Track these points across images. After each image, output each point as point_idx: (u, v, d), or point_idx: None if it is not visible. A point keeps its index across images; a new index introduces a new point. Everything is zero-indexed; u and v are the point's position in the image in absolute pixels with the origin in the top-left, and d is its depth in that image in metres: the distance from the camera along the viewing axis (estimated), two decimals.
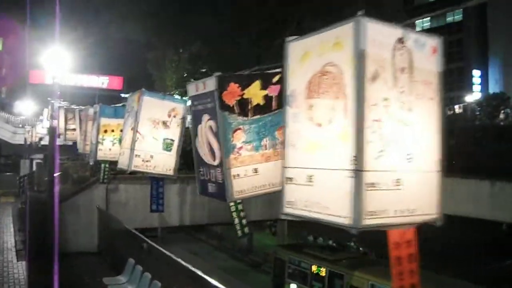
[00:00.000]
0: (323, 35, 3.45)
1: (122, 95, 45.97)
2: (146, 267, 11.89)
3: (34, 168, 28.35)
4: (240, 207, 8.11)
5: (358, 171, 3.06)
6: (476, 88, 58.61)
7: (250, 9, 22.63)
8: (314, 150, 3.45)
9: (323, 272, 23.19)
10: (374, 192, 3.11)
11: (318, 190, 3.36)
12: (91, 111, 10.65)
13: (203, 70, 26.79)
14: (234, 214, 8.32)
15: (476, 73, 59.40)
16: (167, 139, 7.02)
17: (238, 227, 8.38)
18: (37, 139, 29.29)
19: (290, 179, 3.64)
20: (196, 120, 5.80)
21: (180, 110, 7.12)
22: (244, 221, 8.02)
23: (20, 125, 39.08)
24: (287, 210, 3.69)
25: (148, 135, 6.91)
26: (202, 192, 6.14)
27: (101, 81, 50.35)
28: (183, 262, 9.96)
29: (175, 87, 25.76)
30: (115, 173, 15.70)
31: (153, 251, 12.16)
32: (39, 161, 29.92)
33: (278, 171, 4.79)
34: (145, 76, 30.02)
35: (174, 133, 7.05)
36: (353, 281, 20.94)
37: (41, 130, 25.61)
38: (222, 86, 5.05)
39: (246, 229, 8.55)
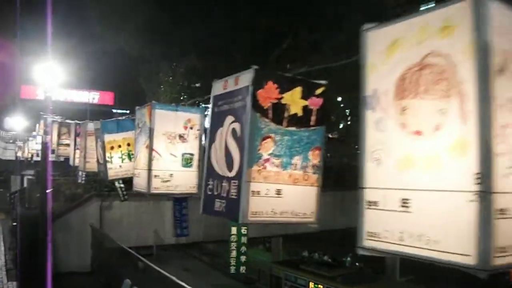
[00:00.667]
0: (424, 18, 2.69)
1: (114, 110, 45.67)
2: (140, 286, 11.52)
3: (25, 184, 27.83)
4: (243, 231, 8.58)
5: (485, 192, 2.30)
6: None
7: (245, 22, 22.47)
8: (410, 165, 2.69)
9: None
10: (505, 221, 2.34)
11: (420, 218, 2.60)
12: (90, 126, 10.15)
13: (198, 85, 26.54)
14: (233, 243, 9.19)
15: None
16: (186, 154, 6.45)
17: (233, 262, 9.47)
18: (29, 155, 28.79)
19: (374, 203, 2.88)
20: (216, 123, 4.73)
21: (196, 121, 6.53)
22: (243, 258, 8.82)
23: (11, 141, 38.59)
24: (370, 243, 2.89)
25: (165, 152, 6.33)
26: (206, 210, 4.89)
27: (92, 96, 50.02)
28: (180, 282, 9.72)
29: (170, 103, 25.41)
30: (108, 190, 15.39)
31: (148, 270, 11.83)
32: (30, 177, 29.39)
33: (306, 199, 4.46)
34: (137, 91, 29.67)
35: (192, 146, 6.47)
36: None
37: (34, 146, 25.04)
38: (259, 82, 4.21)
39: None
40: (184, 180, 6.49)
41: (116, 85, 44.73)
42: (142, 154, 6.56)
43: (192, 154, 6.41)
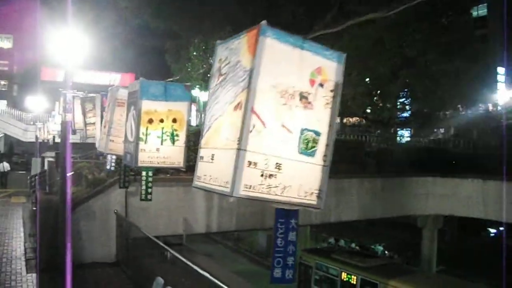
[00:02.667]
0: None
1: None
2: (170, 283, 10.34)
3: (46, 167, 26.93)
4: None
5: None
6: (500, 86, 56.40)
7: None
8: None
9: (354, 279, 21.83)
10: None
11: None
12: (122, 92, 7.54)
13: None
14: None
15: (501, 70, 57.21)
16: (308, 130, 3.53)
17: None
18: (49, 136, 27.68)
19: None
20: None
21: (330, 73, 3.56)
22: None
23: (32, 122, 37.82)
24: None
25: (273, 121, 3.37)
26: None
27: (113, 78, 49.08)
28: (214, 279, 8.52)
29: (201, 79, 23.92)
30: (134, 174, 14.14)
31: (177, 264, 10.68)
32: (51, 159, 28.50)
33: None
34: (162, 72, 28.24)
35: (320, 118, 3.57)
36: None
37: (53, 127, 23.64)
38: None
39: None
40: (299, 179, 3.56)
41: (138, 66, 43.48)
42: (227, 120, 3.50)
43: (318, 133, 3.54)
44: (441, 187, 22.84)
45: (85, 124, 10.13)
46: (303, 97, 3.46)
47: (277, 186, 3.43)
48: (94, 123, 10.39)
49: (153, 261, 12.31)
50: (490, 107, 37.59)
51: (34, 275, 12.42)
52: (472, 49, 26.34)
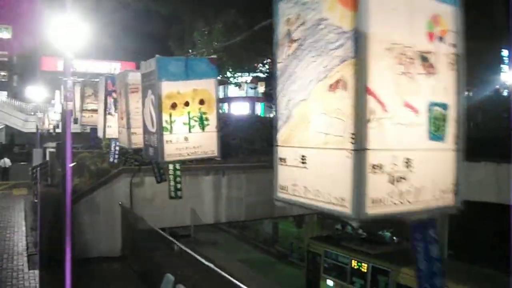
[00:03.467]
0: None
1: None
2: (180, 278, 9.84)
3: (48, 157, 26.39)
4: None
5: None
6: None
7: None
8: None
9: (364, 267, 21.32)
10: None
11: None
12: (133, 76, 6.32)
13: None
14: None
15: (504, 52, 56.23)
16: (436, 105, 2.46)
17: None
18: (50, 127, 27.06)
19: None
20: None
21: (449, 21, 2.52)
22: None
23: (32, 113, 37.23)
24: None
25: (393, 101, 2.27)
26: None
27: (113, 67, 48.28)
28: (225, 274, 8.02)
29: None
30: (139, 164, 13.59)
31: (185, 257, 10.16)
32: (52, 150, 27.96)
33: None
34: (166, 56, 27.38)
35: (446, 85, 2.56)
36: (401, 278, 19.00)
37: (53, 116, 22.89)
38: None
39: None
40: (432, 175, 2.51)
41: (140, 54, 42.52)
42: (314, 106, 2.44)
43: (445, 107, 2.55)
44: None
45: (81, 110, 9.06)
46: (424, 59, 2.44)
47: (409, 191, 2.39)
48: (93, 110, 9.28)
49: (160, 255, 11.79)
50: (499, 89, 36.72)
51: (36, 271, 11.90)
52: (480, 27, 24.89)
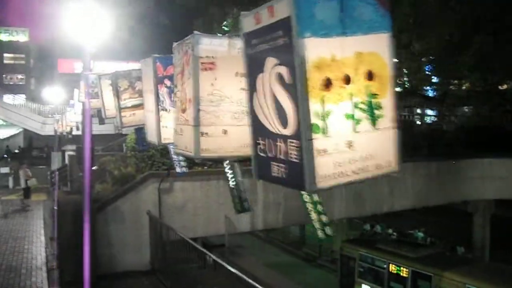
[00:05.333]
0: None
1: None
2: None
3: (67, 161, 25.32)
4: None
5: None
6: None
7: None
8: None
9: (404, 272, 20.01)
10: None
11: None
12: (207, 44, 3.63)
13: None
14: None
15: None
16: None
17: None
18: (67, 128, 25.83)
19: None
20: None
21: None
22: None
23: (50, 115, 36.30)
24: None
25: None
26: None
27: (131, 68, 47.20)
28: None
29: None
30: (167, 168, 12.28)
31: (220, 270, 9.00)
32: (71, 153, 26.90)
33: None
34: None
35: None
36: (444, 283, 17.72)
37: (73, 117, 21.46)
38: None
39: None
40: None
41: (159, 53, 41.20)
42: None
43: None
44: (498, 169, 20.68)
45: (119, 109, 7.03)
46: None
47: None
48: (134, 106, 7.09)
49: (193, 268, 10.56)
50: None
51: None
52: None
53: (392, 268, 20.79)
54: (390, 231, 32.36)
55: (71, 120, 22.52)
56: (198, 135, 3.20)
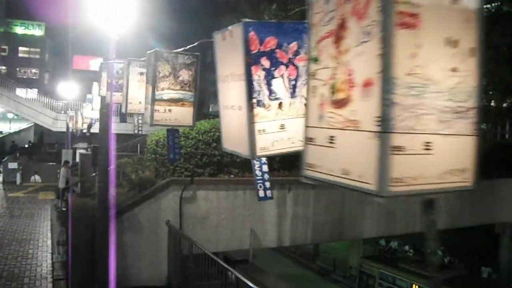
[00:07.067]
0: None
1: None
2: None
3: (78, 159, 24.24)
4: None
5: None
6: None
7: None
8: None
9: None
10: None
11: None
12: None
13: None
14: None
15: None
16: None
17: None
18: (84, 126, 24.63)
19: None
20: None
21: None
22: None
23: (62, 111, 35.35)
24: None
25: None
26: None
27: None
28: None
29: None
30: (191, 174, 11.15)
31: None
32: (83, 151, 25.88)
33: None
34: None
35: None
36: None
37: (90, 114, 20.11)
38: None
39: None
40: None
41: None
42: None
43: None
44: None
45: (153, 100, 5.13)
46: None
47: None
48: (172, 100, 5.38)
49: (214, 285, 9.45)
50: None
51: None
52: None
53: None
54: (406, 247, 31.16)
55: (86, 117, 21.33)
56: (386, 152, 1.62)
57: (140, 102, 6.52)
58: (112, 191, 9.40)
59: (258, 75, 2.70)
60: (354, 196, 14.03)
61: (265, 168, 3.81)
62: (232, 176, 11.44)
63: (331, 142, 1.84)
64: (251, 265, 12.23)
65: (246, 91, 2.68)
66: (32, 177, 27.87)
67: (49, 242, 14.34)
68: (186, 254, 10.00)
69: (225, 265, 8.91)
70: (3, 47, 57.15)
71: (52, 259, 12.56)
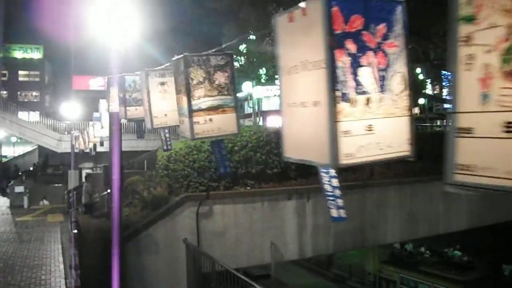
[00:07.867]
0: None
1: None
2: None
3: (84, 179, 23.79)
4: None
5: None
6: None
7: None
8: None
9: None
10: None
11: None
12: None
13: None
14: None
15: None
16: None
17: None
18: (90, 145, 24.14)
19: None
20: None
21: None
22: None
23: (66, 132, 34.99)
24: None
25: None
26: None
27: None
28: None
29: None
30: (205, 189, 10.72)
31: None
32: (89, 171, 25.47)
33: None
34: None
35: None
36: None
37: (99, 132, 19.49)
38: None
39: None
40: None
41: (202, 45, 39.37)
42: None
43: None
44: None
45: (190, 111, 4.31)
46: None
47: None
48: (212, 108, 4.69)
49: None
50: None
51: None
52: None
53: None
54: (422, 249, 30.56)
55: (95, 136, 20.82)
56: None
57: (166, 115, 6.03)
58: (125, 211, 8.98)
59: (343, 61, 2.15)
60: (375, 200, 13.60)
61: (335, 182, 3.20)
62: (248, 188, 11.00)
63: (508, 132, 1.35)
64: (274, 280, 11.75)
65: (329, 82, 2.13)
66: (41, 202, 27.49)
67: (61, 266, 13.85)
68: (207, 272, 9.56)
69: (251, 282, 8.42)
70: (3, 71, 57.03)
71: (66, 284, 12.08)
